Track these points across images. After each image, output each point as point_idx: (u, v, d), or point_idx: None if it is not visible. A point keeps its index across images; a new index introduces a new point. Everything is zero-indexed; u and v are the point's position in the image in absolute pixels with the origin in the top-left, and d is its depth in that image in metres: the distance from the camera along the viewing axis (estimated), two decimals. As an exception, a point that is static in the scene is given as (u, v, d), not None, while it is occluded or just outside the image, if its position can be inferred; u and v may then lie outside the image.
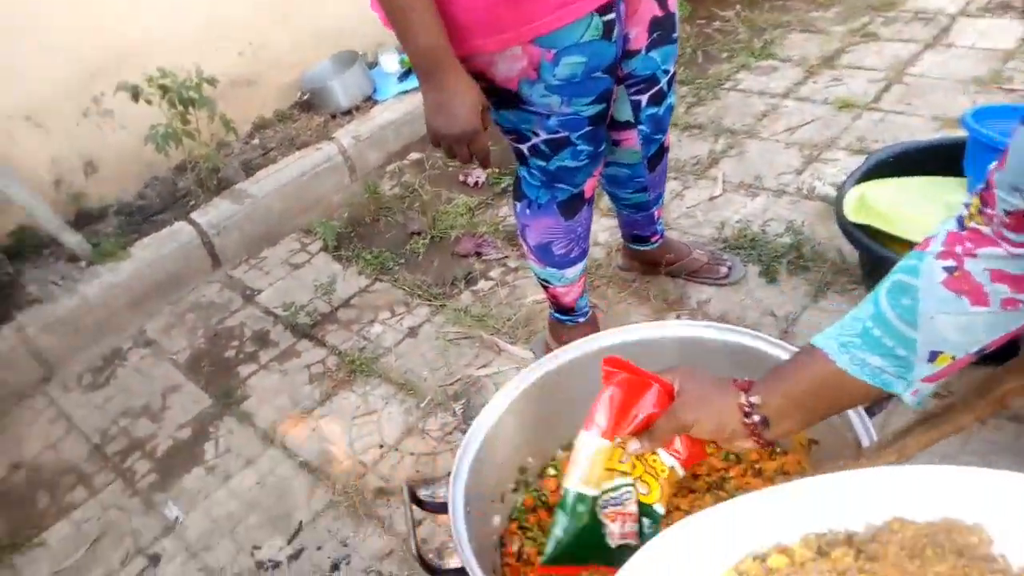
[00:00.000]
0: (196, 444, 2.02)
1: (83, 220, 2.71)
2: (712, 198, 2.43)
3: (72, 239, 2.50)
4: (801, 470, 1.11)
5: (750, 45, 3.22)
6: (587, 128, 1.45)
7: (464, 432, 1.87)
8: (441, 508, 0.95)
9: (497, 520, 1.01)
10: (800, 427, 0.86)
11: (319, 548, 1.68)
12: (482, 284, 2.32)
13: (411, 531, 0.95)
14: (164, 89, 2.49)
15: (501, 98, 1.40)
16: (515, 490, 1.07)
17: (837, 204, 1.78)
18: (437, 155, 3.00)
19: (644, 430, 0.89)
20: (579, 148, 1.48)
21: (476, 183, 2.77)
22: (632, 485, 0.88)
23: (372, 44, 3.36)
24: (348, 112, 3.09)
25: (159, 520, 1.83)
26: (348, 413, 1.99)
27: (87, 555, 1.78)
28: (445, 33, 1.22)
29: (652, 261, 2.12)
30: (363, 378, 2.09)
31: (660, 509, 0.88)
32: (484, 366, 2.03)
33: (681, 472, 0.89)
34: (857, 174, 1.83)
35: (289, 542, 1.71)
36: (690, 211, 2.39)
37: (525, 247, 1.74)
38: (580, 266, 1.76)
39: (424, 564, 0.94)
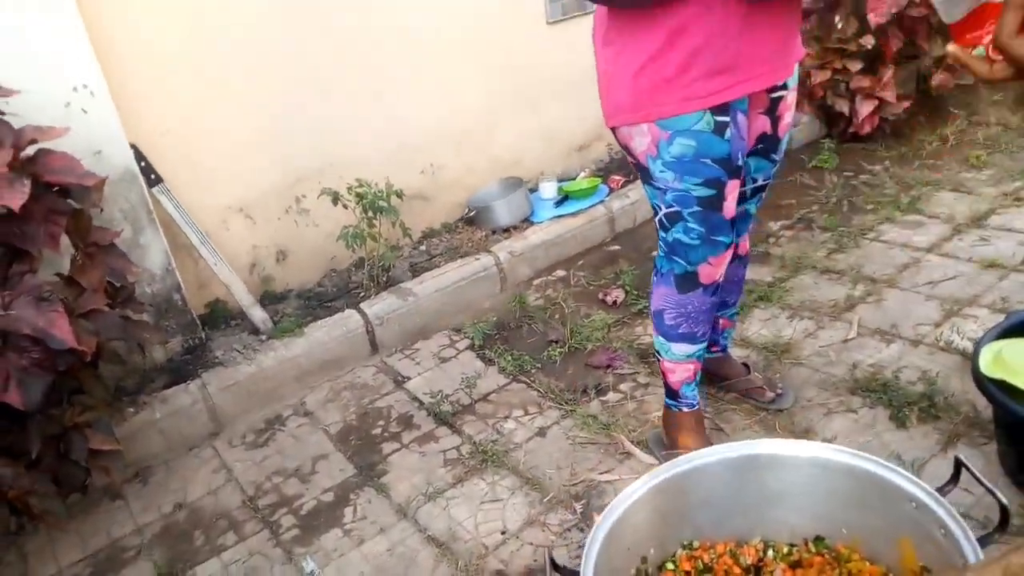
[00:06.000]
0: (337, 508, 2.21)
1: (267, 299, 3.11)
2: (846, 340, 2.48)
3: (258, 315, 2.88)
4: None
5: (897, 199, 3.29)
6: (696, 208, 1.67)
7: (582, 531, 1.99)
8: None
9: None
10: None
11: (437, 617, 1.80)
12: (611, 395, 2.46)
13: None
14: (360, 196, 2.90)
15: (641, 173, 1.72)
16: (634, 577, 1.18)
17: (973, 358, 1.77)
18: (581, 274, 3.23)
19: None
20: (689, 225, 1.71)
21: (615, 302, 2.95)
22: None
23: (535, 173, 3.73)
24: (507, 230, 3.40)
25: (296, 572, 2.02)
26: (476, 498, 2.14)
27: (234, 590, 1.98)
28: None
29: (706, 371, 2.21)
30: (493, 468, 2.24)
31: None
32: (607, 471, 2.14)
33: None
34: (996, 330, 1.83)
35: (410, 607, 1.84)
36: (823, 350, 2.45)
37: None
38: (688, 347, 1.92)
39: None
